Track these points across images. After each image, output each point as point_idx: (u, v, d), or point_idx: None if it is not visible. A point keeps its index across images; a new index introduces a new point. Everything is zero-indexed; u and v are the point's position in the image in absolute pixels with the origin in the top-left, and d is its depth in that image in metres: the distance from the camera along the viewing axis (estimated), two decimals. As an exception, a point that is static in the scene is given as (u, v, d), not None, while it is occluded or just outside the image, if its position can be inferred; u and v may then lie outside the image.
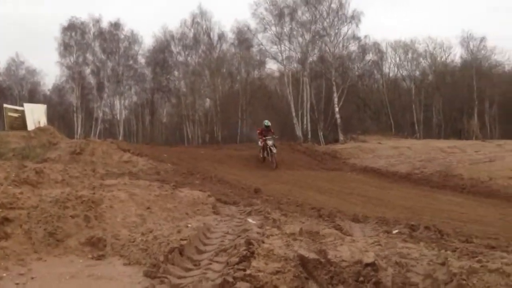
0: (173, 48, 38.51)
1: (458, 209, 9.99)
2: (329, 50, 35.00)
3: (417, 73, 40.25)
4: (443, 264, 3.77)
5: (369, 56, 38.33)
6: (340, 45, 35.53)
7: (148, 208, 6.41)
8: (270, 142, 18.11)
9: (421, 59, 39.95)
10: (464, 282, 3.38)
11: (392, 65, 40.56)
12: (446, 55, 40.02)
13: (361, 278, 3.74)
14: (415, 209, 9.93)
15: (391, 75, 41.07)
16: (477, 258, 3.79)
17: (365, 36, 36.26)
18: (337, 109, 33.49)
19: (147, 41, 48.56)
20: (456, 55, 40.48)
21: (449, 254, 4.10)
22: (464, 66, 38.86)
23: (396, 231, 5.83)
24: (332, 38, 34.90)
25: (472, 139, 30.67)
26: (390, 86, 40.36)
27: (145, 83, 40.12)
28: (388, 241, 4.75)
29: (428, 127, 38.07)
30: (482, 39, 37.56)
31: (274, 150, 18.10)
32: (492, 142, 24.30)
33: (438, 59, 39.86)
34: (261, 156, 18.94)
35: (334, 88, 33.82)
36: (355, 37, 35.55)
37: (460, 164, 16.36)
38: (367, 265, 3.84)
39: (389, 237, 5.33)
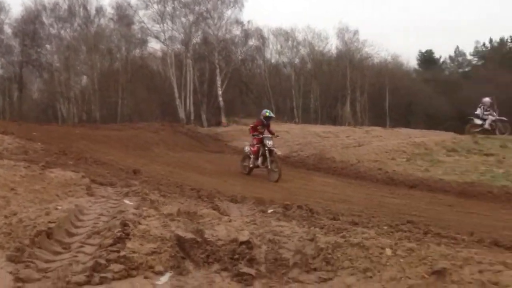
0: (44, 19, 35.29)
1: (330, 190, 10.67)
2: (213, 33, 34.94)
3: (297, 60, 41.92)
4: (312, 240, 4.00)
5: (252, 42, 39.02)
6: (224, 29, 35.55)
7: (13, 189, 5.90)
8: (270, 142, 12.41)
9: (300, 47, 41.59)
10: (329, 256, 3.65)
11: (273, 52, 41.80)
12: (324, 45, 42.07)
13: (236, 256, 3.84)
14: (291, 190, 10.42)
15: (273, 61, 42.32)
16: (341, 234, 4.08)
17: (248, 21, 36.83)
18: (220, 92, 33.68)
19: (15, 9, 44.28)
20: (333, 45, 42.88)
21: (317, 230, 4.34)
22: (339, 56, 41.35)
23: (271, 210, 6.07)
24: (216, 21, 34.81)
25: (345, 125, 32.85)
26: (272, 72, 41.54)
27: (12, 56, 36.44)
28: (263, 220, 4.91)
29: (306, 112, 39.98)
30: (356, 32, 40.34)
31: (279, 153, 12.85)
32: (362, 128, 26.19)
33: (316, 48, 41.75)
34: (250, 166, 13.04)
35: (218, 71, 33.94)
36: (238, 22, 35.88)
37: (333, 148, 17.48)
38: (242, 243, 3.95)
39: (264, 216, 5.52)
